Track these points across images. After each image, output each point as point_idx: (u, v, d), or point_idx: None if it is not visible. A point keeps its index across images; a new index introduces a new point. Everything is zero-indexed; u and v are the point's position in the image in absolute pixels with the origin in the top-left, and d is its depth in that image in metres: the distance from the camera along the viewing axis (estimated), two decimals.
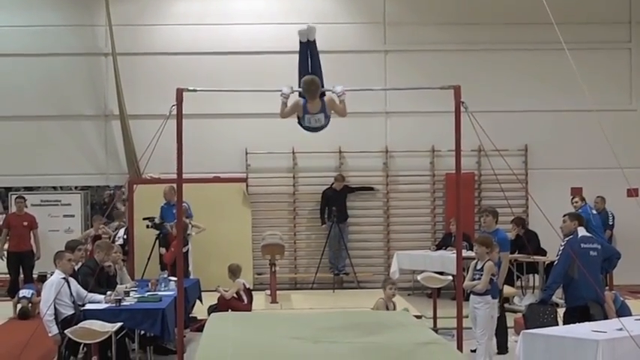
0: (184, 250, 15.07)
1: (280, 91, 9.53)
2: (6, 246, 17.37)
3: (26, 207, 17.75)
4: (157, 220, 16.98)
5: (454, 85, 9.99)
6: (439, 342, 9.17)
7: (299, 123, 9.56)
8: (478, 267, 11.06)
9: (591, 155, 18.81)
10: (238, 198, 18.70)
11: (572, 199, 17.43)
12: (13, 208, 18.09)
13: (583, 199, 17.39)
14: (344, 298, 17.35)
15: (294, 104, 9.39)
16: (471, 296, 11.12)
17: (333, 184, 18.83)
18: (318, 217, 19.07)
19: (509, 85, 19.40)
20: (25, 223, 17.30)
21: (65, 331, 10.42)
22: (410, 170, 19.42)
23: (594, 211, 17.49)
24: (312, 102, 9.29)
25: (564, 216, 11.88)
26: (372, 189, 19.27)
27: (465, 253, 12.26)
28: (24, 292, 15.42)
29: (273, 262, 16.94)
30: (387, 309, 12.22)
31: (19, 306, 15.40)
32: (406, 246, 18.74)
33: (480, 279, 10.92)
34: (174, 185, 16.68)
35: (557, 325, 11.01)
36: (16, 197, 17.88)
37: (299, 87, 9.52)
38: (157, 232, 16.98)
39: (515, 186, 17.19)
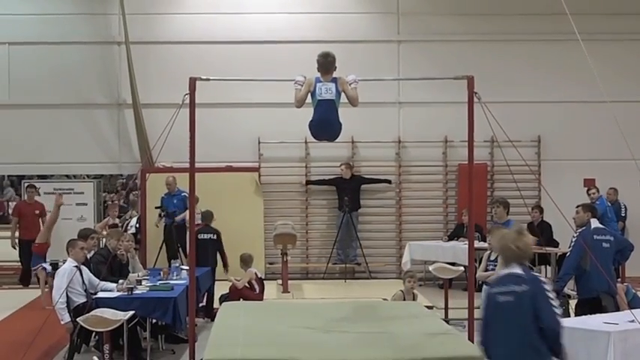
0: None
1: (294, 80, 9.49)
2: (16, 234, 17.44)
3: (38, 195, 17.79)
4: (168, 210, 17.10)
5: (467, 75, 9.95)
6: (450, 332, 9.15)
7: (310, 127, 9.40)
8: (492, 258, 11.06)
9: (604, 146, 18.77)
10: (251, 187, 18.72)
11: (589, 190, 17.38)
12: (27, 196, 18.14)
13: (598, 191, 17.36)
14: (355, 288, 17.36)
15: (307, 82, 9.34)
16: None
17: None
18: (330, 207, 19.15)
19: (523, 76, 19.35)
20: (37, 212, 17.35)
21: (77, 319, 10.48)
22: (422, 161, 19.40)
23: (608, 203, 17.45)
24: (325, 77, 9.26)
25: (577, 207, 11.85)
26: (388, 181, 19.25)
27: (477, 244, 12.22)
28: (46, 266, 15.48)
29: (285, 251, 16.95)
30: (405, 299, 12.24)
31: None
32: (418, 236, 18.76)
33: (493, 270, 10.91)
34: (175, 176, 16.99)
35: (569, 316, 10.99)
36: (27, 186, 17.90)
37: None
38: (170, 221, 17.10)
39: (528, 177, 17.16)
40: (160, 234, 17.34)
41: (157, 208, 17.36)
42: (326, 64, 9.26)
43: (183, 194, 16.69)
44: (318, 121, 9.25)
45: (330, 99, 9.16)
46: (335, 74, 9.32)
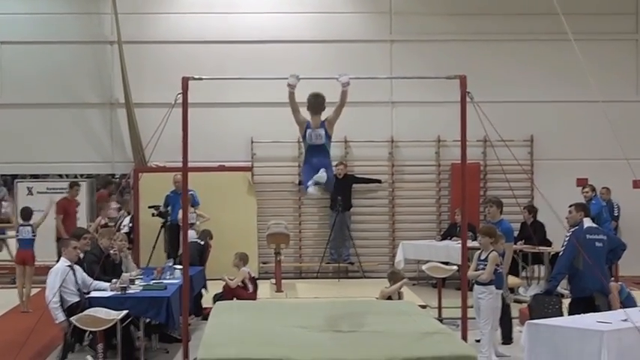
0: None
1: (287, 82, 9.45)
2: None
3: (31, 194, 17.78)
4: (162, 209, 17.04)
5: (460, 75, 9.96)
6: (444, 332, 9.16)
7: (303, 172, 9.43)
8: (482, 257, 11.07)
9: (597, 146, 18.82)
10: (244, 187, 18.69)
11: (583, 188, 17.36)
12: (19, 195, 18.11)
13: (593, 190, 17.30)
14: (349, 288, 17.36)
15: (301, 119, 9.35)
16: (475, 286, 11.13)
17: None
18: (323, 207, 19.13)
19: (516, 76, 19.38)
20: (77, 210, 17.34)
21: (71, 319, 10.47)
22: (415, 160, 19.41)
23: (604, 203, 17.45)
24: (314, 118, 9.27)
25: (570, 206, 11.87)
26: (378, 181, 19.27)
27: (469, 243, 12.23)
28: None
29: (278, 251, 16.95)
30: (391, 299, 12.29)
31: None
32: (411, 236, 18.76)
33: (483, 269, 10.93)
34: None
35: (562, 315, 11.00)
36: (71, 183, 17.63)
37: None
38: (163, 220, 17.04)
39: (520, 176, 17.21)
40: (154, 233, 17.26)
41: (150, 207, 17.28)
42: (316, 104, 9.27)
43: (190, 193, 16.65)
44: (309, 166, 9.23)
45: (320, 144, 9.21)
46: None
